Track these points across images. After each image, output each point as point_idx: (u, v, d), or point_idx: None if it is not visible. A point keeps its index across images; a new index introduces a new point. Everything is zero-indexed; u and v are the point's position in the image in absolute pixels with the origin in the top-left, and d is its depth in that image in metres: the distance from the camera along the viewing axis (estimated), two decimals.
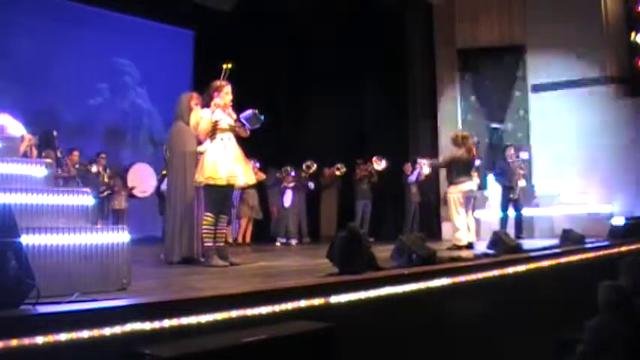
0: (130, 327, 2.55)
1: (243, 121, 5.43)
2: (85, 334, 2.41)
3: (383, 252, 4.96)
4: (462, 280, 4.61)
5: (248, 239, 10.39)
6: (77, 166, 9.16)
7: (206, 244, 5.36)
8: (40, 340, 2.29)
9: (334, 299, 3.48)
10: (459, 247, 7.02)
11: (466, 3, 11.37)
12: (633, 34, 10.65)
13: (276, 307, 3.13)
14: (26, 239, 2.89)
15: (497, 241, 6.04)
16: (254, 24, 11.68)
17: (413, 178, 10.78)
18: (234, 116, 5.45)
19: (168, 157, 6.14)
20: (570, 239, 7.11)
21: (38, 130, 7.34)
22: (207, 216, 5.37)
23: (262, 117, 5.47)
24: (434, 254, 4.85)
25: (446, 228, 10.04)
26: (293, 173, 10.54)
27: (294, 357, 2.90)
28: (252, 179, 5.67)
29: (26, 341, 2.26)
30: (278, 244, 10.10)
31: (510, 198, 9.14)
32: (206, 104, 5.48)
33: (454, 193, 7.40)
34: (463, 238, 7.23)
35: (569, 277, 5.90)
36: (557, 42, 10.44)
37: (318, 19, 11.70)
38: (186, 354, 2.49)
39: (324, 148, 11.23)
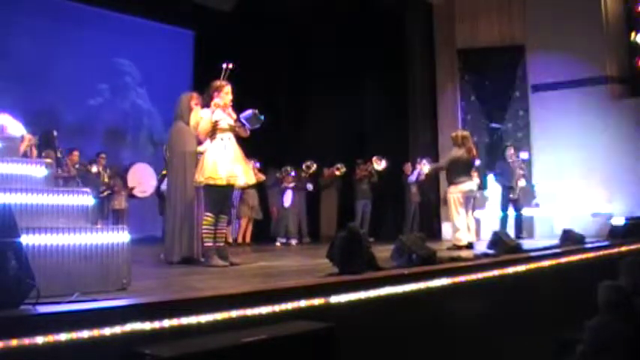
0: (130, 327, 2.55)
1: (243, 121, 5.43)
2: (85, 334, 2.41)
3: (383, 252, 4.95)
4: (462, 280, 4.60)
5: (248, 239, 10.39)
6: (77, 166, 9.17)
7: (206, 244, 5.35)
8: (40, 340, 2.29)
9: (334, 299, 3.48)
10: (459, 247, 7.02)
11: (466, 3, 11.37)
12: (633, 34, 10.65)
13: (276, 307, 3.13)
14: (26, 239, 2.89)
15: (497, 241, 6.04)
16: (254, 24, 11.68)
17: (413, 178, 10.78)
18: (234, 116, 5.45)
19: (168, 157, 6.14)
20: (570, 239, 7.11)
21: (38, 130, 7.34)
22: (207, 216, 5.37)
23: (262, 117, 5.46)
24: (434, 254, 4.85)
25: (446, 228, 10.05)
26: (293, 173, 10.54)
27: (294, 357, 2.89)
28: (252, 179, 5.67)
29: (26, 341, 2.25)
30: (278, 244, 10.10)
31: (510, 198, 9.15)
32: (206, 104, 5.48)
33: (454, 193, 7.40)
34: (463, 238, 7.23)
35: (569, 277, 5.90)
36: (557, 42, 10.43)
37: (318, 19, 11.70)
38: (186, 354, 2.49)
39: (324, 148, 11.23)
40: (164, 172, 8.15)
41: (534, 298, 5.33)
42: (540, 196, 10.29)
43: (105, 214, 9.66)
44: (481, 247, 6.69)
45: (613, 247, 7.26)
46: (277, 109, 11.46)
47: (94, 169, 9.52)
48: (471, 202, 7.80)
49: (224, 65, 5.53)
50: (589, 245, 7.09)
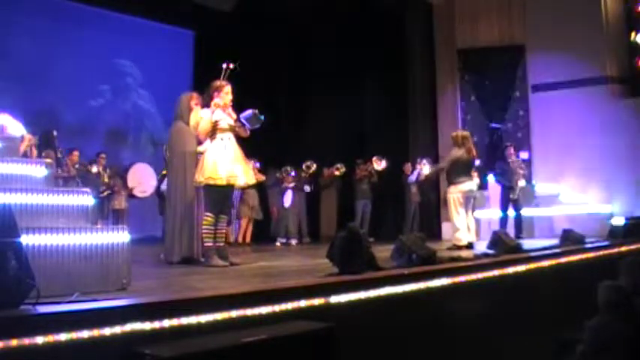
0: (130, 327, 2.55)
1: (243, 121, 5.43)
2: (85, 334, 2.41)
3: (383, 252, 4.96)
4: (462, 280, 4.60)
5: (248, 239, 10.39)
6: (77, 166, 9.17)
7: (206, 244, 5.35)
8: (40, 340, 2.29)
9: (334, 299, 3.48)
10: (459, 247, 7.02)
11: (466, 3, 11.37)
12: (633, 34, 10.66)
13: (276, 307, 3.13)
14: (26, 239, 2.89)
15: (497, 241, 6.04)
16: (254, 24, 11.68)
17: (413, 178, 10.78)
18: (234, 116, 5.45)
19: (168, 157, 6.14)
20: (570, 239, 7.11)
21: (38, 130, 7.34)
22: (207, 216, 5.37)
23: (262, 117, 5.47)
24: (434, 254, 4.85)
25: (446, 228, 10.05)
26: (293, 173, 10.54)
27: (294, 357, 2.89)
28: (252, 179, 5.68)
29: (26, 341, 2.26)
30: (278, 244, 10.10)
31: (510, 198, 9.14)
32: (206, 104, 5.48)
33: (454, 193, 7.40)
34: (463, 238, 7.23)
35: (569, 277, 5.90)
36: (557, 42, 10.44)
37: (318, 19, 11.70)
38: (186, 354, 2.49)
39: (324, 148, 11.23)
40: (164, 172, 8.16)
41: (534, 298, 5.33)
42: (540, 196, 10.29)
43: (105, 214, 9.66)
44: (481, 247, 6.69)
45: (613, 247, 7.26)
46: (277, 109, 11.46)
47: (94, 169, 9.52)
48: (471, 202, 7.79)
49: (224, 65, 5.53)
50: (589, 245, 7.09)
